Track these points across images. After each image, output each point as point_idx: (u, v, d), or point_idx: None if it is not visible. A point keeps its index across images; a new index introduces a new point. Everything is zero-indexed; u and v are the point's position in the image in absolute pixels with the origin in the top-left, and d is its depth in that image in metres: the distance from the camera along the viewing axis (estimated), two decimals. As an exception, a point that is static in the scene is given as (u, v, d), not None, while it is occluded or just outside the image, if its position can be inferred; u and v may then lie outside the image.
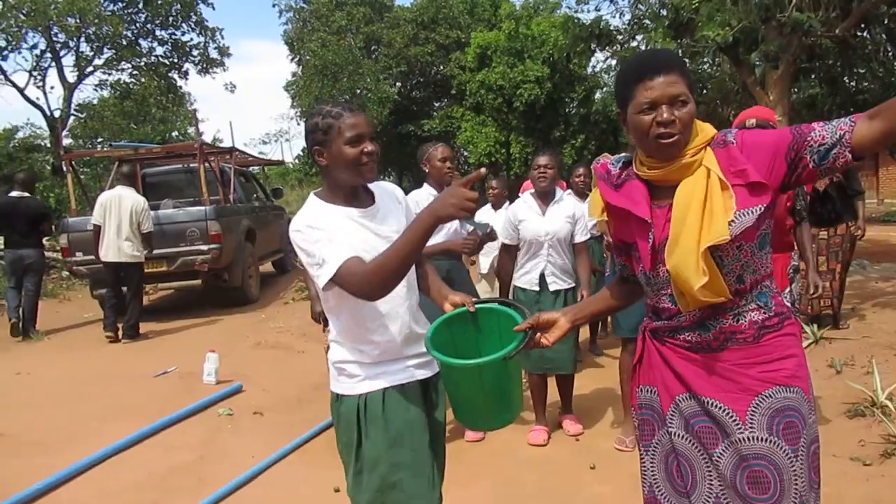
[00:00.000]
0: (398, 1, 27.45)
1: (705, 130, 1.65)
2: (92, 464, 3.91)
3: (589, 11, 30.83)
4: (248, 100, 68.05)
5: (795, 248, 3.76)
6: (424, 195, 3.99)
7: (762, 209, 1.57)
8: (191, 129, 25.16)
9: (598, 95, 23.44)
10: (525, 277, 4.12)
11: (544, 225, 4.01)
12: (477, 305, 1.95)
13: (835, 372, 4.74)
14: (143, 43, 23.60)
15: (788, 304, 3.55)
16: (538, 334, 1.88)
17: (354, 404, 1.99)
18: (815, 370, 4.78)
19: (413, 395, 2.04)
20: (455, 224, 4.00)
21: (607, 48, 10.07)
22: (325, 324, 4.15)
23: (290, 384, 5.44)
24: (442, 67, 24.50)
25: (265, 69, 60.97)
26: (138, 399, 5.14)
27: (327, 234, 1.86)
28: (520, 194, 4.76)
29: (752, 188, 1.56)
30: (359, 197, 2.02)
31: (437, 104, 27.12)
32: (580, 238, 4.09)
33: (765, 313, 1.63)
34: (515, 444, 4.01)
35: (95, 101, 23.19)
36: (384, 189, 2.13)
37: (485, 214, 5.89)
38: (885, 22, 8.45)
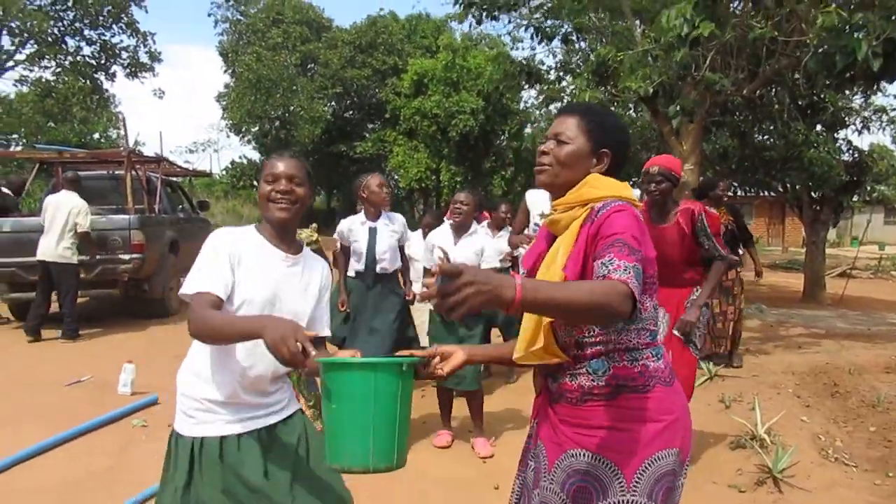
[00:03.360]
0: (336, 22, 27.66)
1: (590, 188, 1.71)
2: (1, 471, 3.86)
3: (523, 49, 31.89)
4: (175, 105, 66.54)
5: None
6: (358, 222, 4.44)
7: None
8: (113, 132, 24.50)
9: (528, 130, 24.16)
10: None
11: (453, 254, 4.35)
12: (367, 359, 1.81)
13: (724, 406, 5.13)
14: (70, 41, 22.96)
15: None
16: (439, 363, 1.85)
17: (188, 446, 2.03)
18: (708, 404, 5.17)
19: (250, 445, 2.06)
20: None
21: (536, 85, 10.52)
22: None
23: (208, 398, 5.44)
24: (378, 91, 24.74)
25: (196, 76, 59.85)
26: (49, 407, 5.06)
27: (230, 259, 1.96)
28: (445, 219, 5.05)
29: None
30: (286, 242, 2.11)
31: (370, 126, 27.33)
32: (485, 265, 4.47)
33: (593, 381, 1.67)
34: (425, 464, 4.17)
35: (12, 96, 22.34)
36: (314, 260, 2.22)
37: (415, 240, 6.10)
38: (790, 85, 9.17)
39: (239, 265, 1.98)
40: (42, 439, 4.26)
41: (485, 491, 3.82)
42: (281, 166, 2.05)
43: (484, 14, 9.19)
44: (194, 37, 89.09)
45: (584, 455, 1.66)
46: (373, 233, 4.41)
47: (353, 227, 4.52)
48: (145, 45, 24.11)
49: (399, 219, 4.66)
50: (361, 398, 1.58)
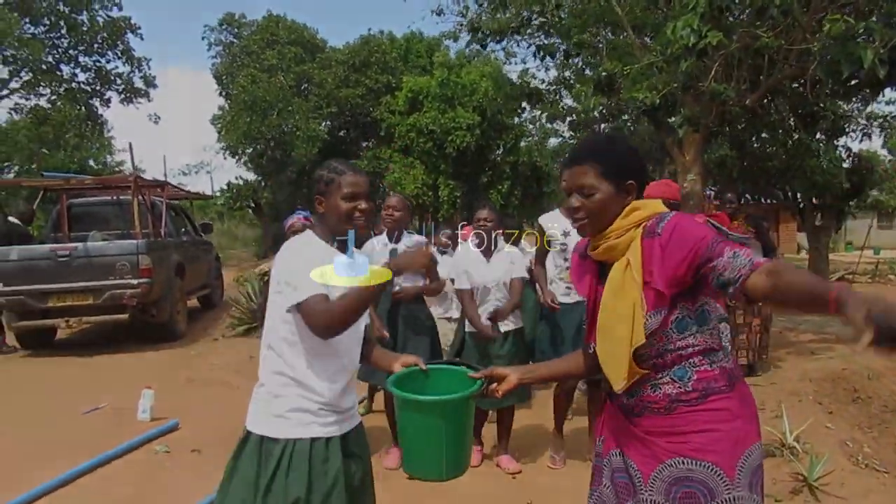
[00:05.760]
0: (330, 42, 27.75)
1: (639, 211, 1.76)
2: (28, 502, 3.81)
3: (516, 64, 32.00)
4: (169, 128, 66.47)
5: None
6: (381, 243, 4.36)
7: (665, 311, 1.68)
8: (109, 158, 24.45)
9: (523, 144, 24.21)
10: None
11: (490, 272, 4.25)
12: (427, 365, 2.11)
13: (748, 415, 5.11)
14: (65, 68, 22.98)
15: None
16: (493, 385, 1.97)
17: (281, 448, 1.99)
18: (731, 413, 5.14)
19: (335, 448, 2.06)
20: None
21: (538, 105, 10.59)
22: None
23: (227, 421, 5.37)
24: (372, 110, 24.80)
25: (189, 97, 59.81)
26: (69, 436, 5.01)
27: (314, 264, 1.97)
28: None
29: (658, 292, 1.67)
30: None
31: (365, 144, 27.37)
32: (515, 275, 4.33)
33: (680, 387, 1.71)
34: (451, 483, 4.14)
35: (4, 124, 22.26)
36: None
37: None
38: (789, 95, 9.26)
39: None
40: (66, 470, 4.20)
41: (519, 507, 3.79)
42: (362, 184, 2.10)
43: (488, 39, 9.25)
44: (187, 59, 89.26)
45: (682, 462, 1.69)
46: (393, 254, 4.32)
47: (376, 249, 4.40)
48: (140, 71, 24.19)
49: (419, 240, 4.53)
50: (435, 428, 1.88)
